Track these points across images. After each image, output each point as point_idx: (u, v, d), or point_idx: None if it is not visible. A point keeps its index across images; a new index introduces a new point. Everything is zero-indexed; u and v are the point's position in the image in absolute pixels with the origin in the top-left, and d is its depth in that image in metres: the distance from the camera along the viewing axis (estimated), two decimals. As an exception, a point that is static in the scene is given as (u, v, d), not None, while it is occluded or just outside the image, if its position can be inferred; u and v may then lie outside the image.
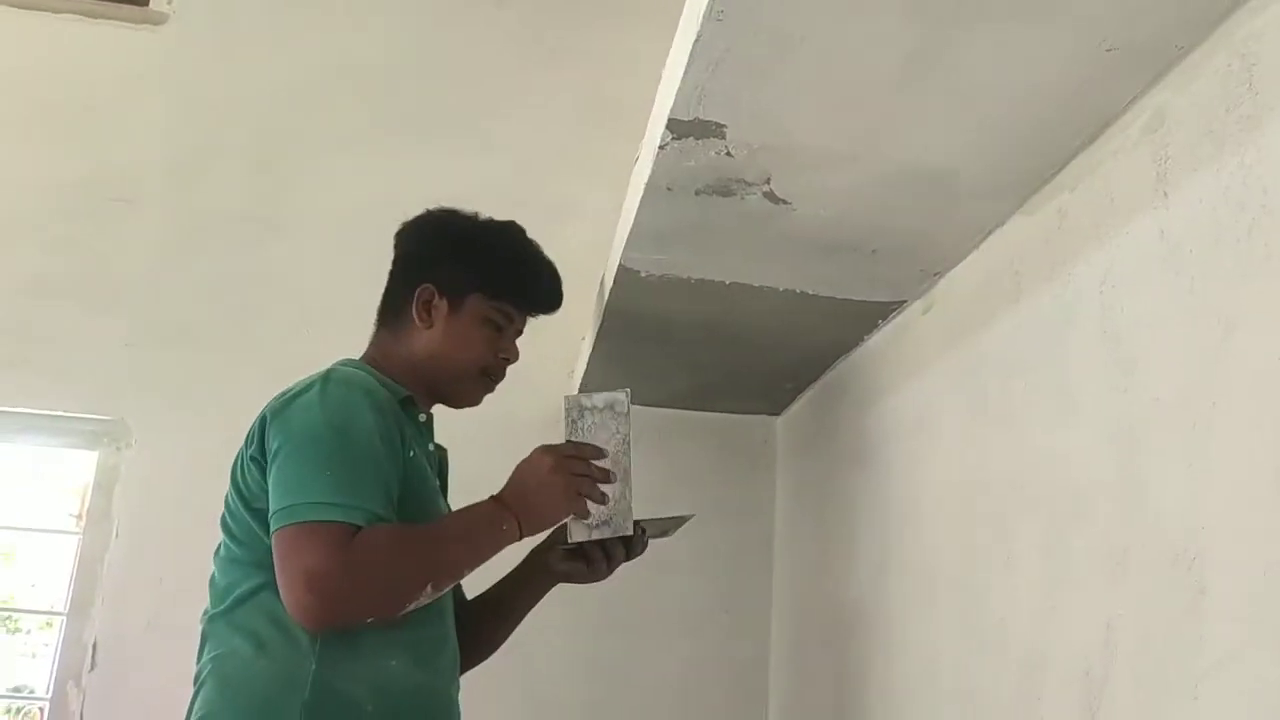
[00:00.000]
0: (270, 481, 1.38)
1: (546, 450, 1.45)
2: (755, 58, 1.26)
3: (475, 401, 1.65)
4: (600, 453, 1.45)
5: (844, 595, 2.13)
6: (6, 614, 8.96)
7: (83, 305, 2.62)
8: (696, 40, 1.22)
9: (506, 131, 2.84)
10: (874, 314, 1.99)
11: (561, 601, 2.57)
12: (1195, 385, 1.13)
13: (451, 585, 1.42)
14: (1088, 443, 1.32)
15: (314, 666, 1.36)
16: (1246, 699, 1.00)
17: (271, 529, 1.34)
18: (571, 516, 1.44)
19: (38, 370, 2.56)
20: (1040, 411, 1.45)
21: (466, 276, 1.58)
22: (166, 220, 2.72)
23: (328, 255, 2.70)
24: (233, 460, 1.50)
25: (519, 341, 1.66)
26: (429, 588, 1.34)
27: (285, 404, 1.43)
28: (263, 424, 1.45)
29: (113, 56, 2.81)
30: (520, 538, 1.43)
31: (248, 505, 1.44)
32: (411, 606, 1.34)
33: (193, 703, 1.46)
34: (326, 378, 1.47)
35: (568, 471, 1.42)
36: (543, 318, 1.69)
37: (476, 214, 1.67)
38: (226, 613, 1.45)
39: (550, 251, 1.66)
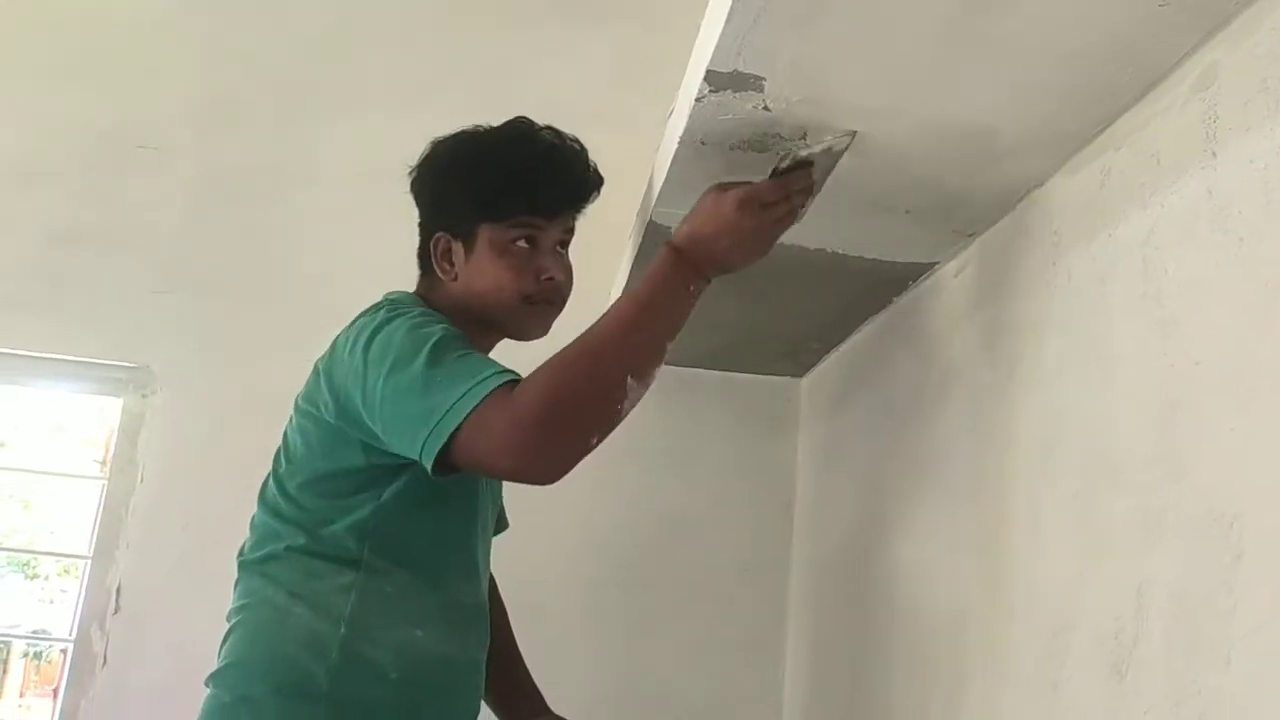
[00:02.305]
0: (385, 425, 1.29)
1: (729, 189, 1.31)
2: (798, 9, 1.23)
3: (540, 330, 1.55)
4: (807, 181, 1.32)
5: (866, 557, 2.13)
6: (25, 560, 9.06)
7: (110, 252, 2.63)
8: (739, -12, 1.21)
9: (539, 85, 2.82)
10: (905, 275, 1.97)
11: (580, 559, 2.61)
12: (1239, 348, 1.11)
13: (656, 362, 1.28)
14: (1124, 406, 1.30)
15: (342, 631, 1.37)
16: (1282, 664, 1.00)
17: (430, 467, 1.23)
18: None
19: (65, 316, 2.58)
20: (1075, 374, 1.43)
21: (467, 209, 1.51)
22: (193, 169, 2.72)
23: (353, 206, 2.69)
24: (293, 398, 1.49)
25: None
26: (629, 378, 1.21)
27: (354, 341, 1.37)
28: (327, 363, 1.42)
29: (139, 4, 2.79)
30: (709, 282, 1.33)
31: (310, 449, 1.43)
32: (629, 403, 1.22)
33: (223, 645, 1.47)
34: (391, 305, 1.43)
35: (760, 216, 1.28)
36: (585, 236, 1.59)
37: (475, 128, 1.57)
38: (262, 562, 1.46)
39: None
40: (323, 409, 1.42)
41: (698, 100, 1.44)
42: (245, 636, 1.44)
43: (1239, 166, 1.15)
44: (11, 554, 10.17)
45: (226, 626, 1.47)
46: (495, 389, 1.20)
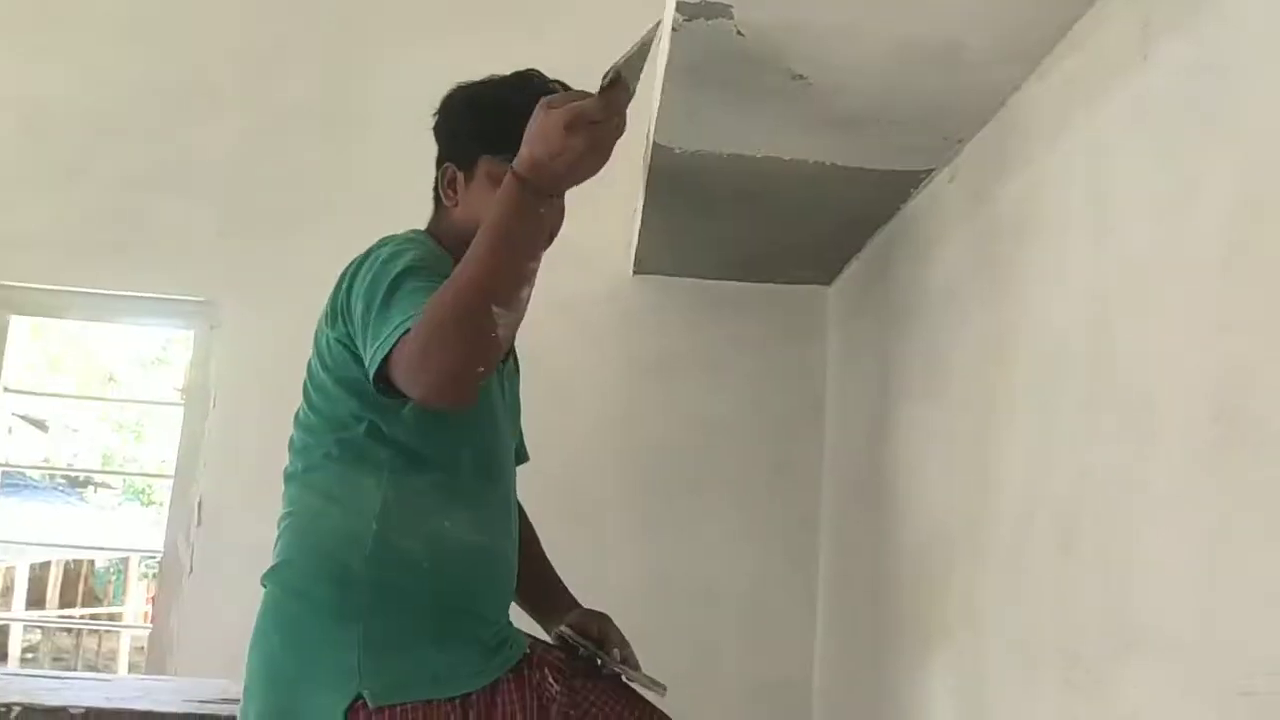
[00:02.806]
0: (359, 342, 1.42)
1: (556, 111, 1.26)
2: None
3: None
4: (628, 95, 1.26)
5: (881, 454, 2.24)
6: (141, 488, 9.48)
7: (174, 196, 2.82)
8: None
9: (577, 15, 2.89)
10: (905, 182, 2.04)
11: (619, 459, 2.76)
12: (1159, 245, 1.19)
13: (520, 286, 1.29)
14: (1071, 304, 1.38)
15: (375, 526, 1.48)
16: (1186, 534, 1.09)
17: (374, 388, 1.37)
18: None
19: (137, 257, 2.78)
20: (1036, 275, 1.51)
21: (471, 142, 1.62)
22: (249, 115, 2.88)
23: (402, 143, 2.77)
24: (314, 331, 1.61)
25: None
26: (493, 306, 1.25)
27: (350, 268, 1.50)
28: (334, 291, 1.54)
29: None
30: (560, 197, 1.33)
31: (325, 369, 1.55)
32: (501, 328, 1.26)
33: (275, 547, 1.63)
34: (383, 239, 1.54)
35: (592, 133, 1.24)
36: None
37: (491, 78, 1.67)
38: (302, 473, 1.60)
39: None
40: (329, 327, 1.55)
41: (674, 30, 1.53)
42: (291, 539, 1.59)
43: (1164, 71, 1.21)
44: (127, 482, 10.71)
45: (276, 536, 1.64)
46: (406, 327, 1.32)
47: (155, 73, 2.87)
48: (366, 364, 1.38)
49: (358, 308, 1.42)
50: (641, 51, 1.26)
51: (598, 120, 1.24)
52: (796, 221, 2.30)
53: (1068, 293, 1.41)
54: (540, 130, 1.26)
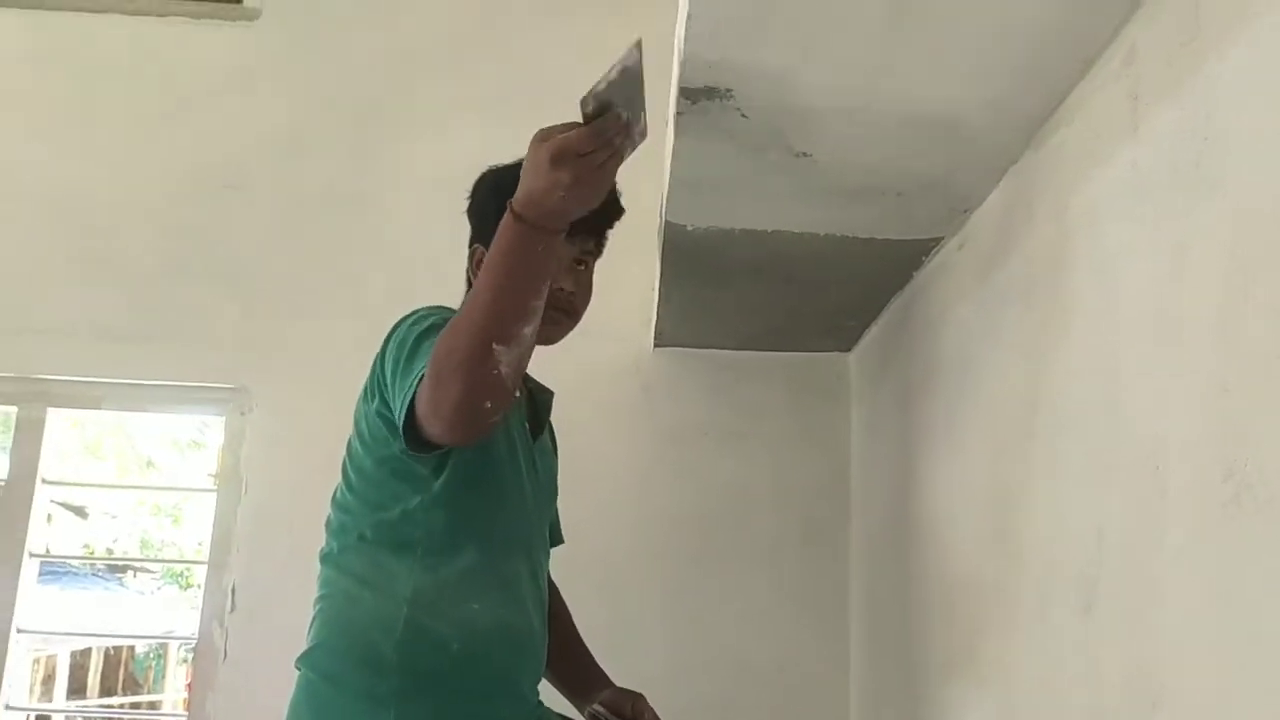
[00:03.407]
0: (387, 398, 1.46)
1: (540, 143, 1.23)
2: (745, 18, 1.36)
3: (551, 336, 1.64)
4: (619, 123, 1.20)
5: (907, 518, 2.24)
6: (179, 572, 9.48)
7: (204, 284, 2.89)
8: (689, 14, 1.35)
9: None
10: (916, 251, 2.08)
11: (647, 533, 2.77)
12: (1157, 307, 1.21)
13: (521, 324, 1.27)
14: (1080, 367, 1.40)
15: (405, 610, 1.50)
16: (1203, 594, 1.10)
17: (403, 440, 1.40)
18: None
19: (168, 345, 2.85)
20: (1045, 339, 1.53)
21: (496, 223, 1.68)
22: (273, 202, 2.96)
23: (425, 224, 2.87)
24: (354, 409, 1.64)
25: (598, 277, 1.69)
26: (493, 344, 1.25)
27: (386, 339, 1.54)
28: (372, 367, 1.58)
29: (215, 53, 3.05)
30: (561, 233, 1.28)
31: (364, 445, 1.58)
32: (504, 366, 1.26)
33: (309, 630, 1.66)
34: (412, 310, 1.57)
35: (578, 166, 1.21)
36: (617, 267, 1.71)
37: (522, 160, 1.74)
38: (336, 555, 1.63)
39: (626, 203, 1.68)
40: (367, 402, 1.59)
41: (679, 114, 1.59)
42: (324, 622, 1.62)
43: (1153, 140, 1.24)
44: (165, 566, 10.73)
45: (311, 620, 1.67)
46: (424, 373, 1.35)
47: (181, 160, 2.96)
48: (396, 419, 1.40)
49: (388, 372, 1.47)
50: (626, 75, 1.19)
51: (584, 152, 1.20)
52: (812, 292, 2.34)
53: (1076, 357, 1.43)
54: (530, 164, 1.25)
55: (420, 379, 1.35)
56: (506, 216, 1.27)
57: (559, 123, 1.23)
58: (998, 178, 1.74)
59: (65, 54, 3.05)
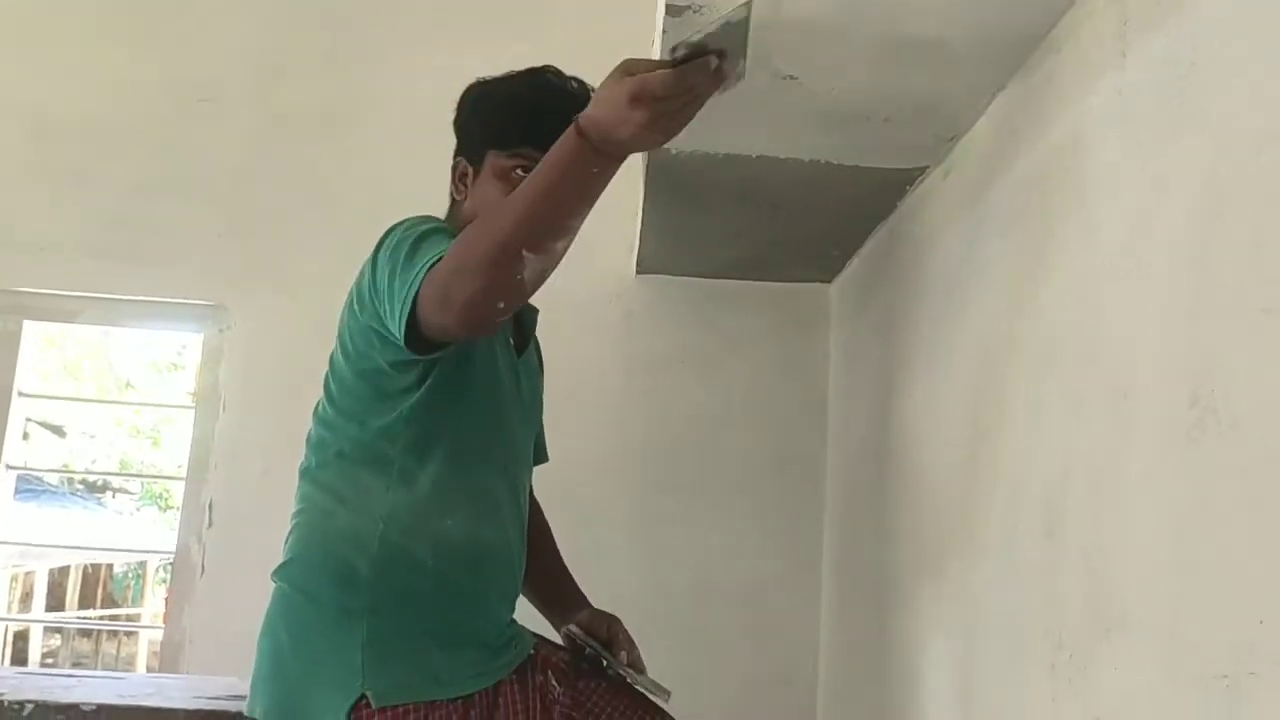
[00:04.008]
0: (383, 311, 1.42)
1: (624, 75, 1.19)
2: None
3: None
4: (705, 71, 1.17)
5: (883, 446, 2.26)
6: (159, 493, 9.50)
7: (181, 200, 2.85)
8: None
9: (570, 13, 2.92)
10: (900, 180, 2.07)
11: (625, 458, 2.79)
12: (1135, 236, 1.21)
13: (555, 237, 1.27)
14: (1060, 296, 1.41)
15: (381, 528, 1.50)
16: (1163, 519, 1.12)
17: (401, 336, 1.37)
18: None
19: (146, 261, 2.82)
20: (1027, 269, 1.54)
21: (480, 136, 1.63)
22: (250, 118, 2.91)
23: (404, 142, 2.85)
24: (337, 322, 1.61)
25: None
26: (524, 249, 1.24)
27: (374, 251, 1.51)
28: (357, 279, 1.54)
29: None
30: (619, 161, 1.25)
31: (347, 358, 1.56)
32: (528, 273, 1.26)
33: (285, 544, 1.66)
34: (400, 221, 1.54)
35: (654, 109, 1.18)
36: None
37: (509, 73, 1.68)
38: (314, 471, 1.62)
39: None
40: (354, 315, 1.57)
41: (664, 32, 1.57)
42: (300, 536, 1.62)
43: (1139, 68, 1.24)
44: (145, 487, 10.77)
45: (288, 532, 1.68)
46: (434, 263, 1.33)
47: (159, 78, 2.91)
48: (394, 317, 1.37)
49: (382, 276, 1.43)
50: (728, 29, 1.16)
51: (663, 97, 1.18)
52: (795, 220, 2.33)
53: (1056, 285, 1.43)
54: (608, 94, 1.22)
55: (425, 273, 1.32)
56: (570, 130, 1.24)
57: (645, 58, 1.22)
58: (986, 105, 1.73)
59: (38, -36, 2.98)
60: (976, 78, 1.65)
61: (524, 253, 1.24)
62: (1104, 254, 1.29)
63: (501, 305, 1.30)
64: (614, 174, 1.26)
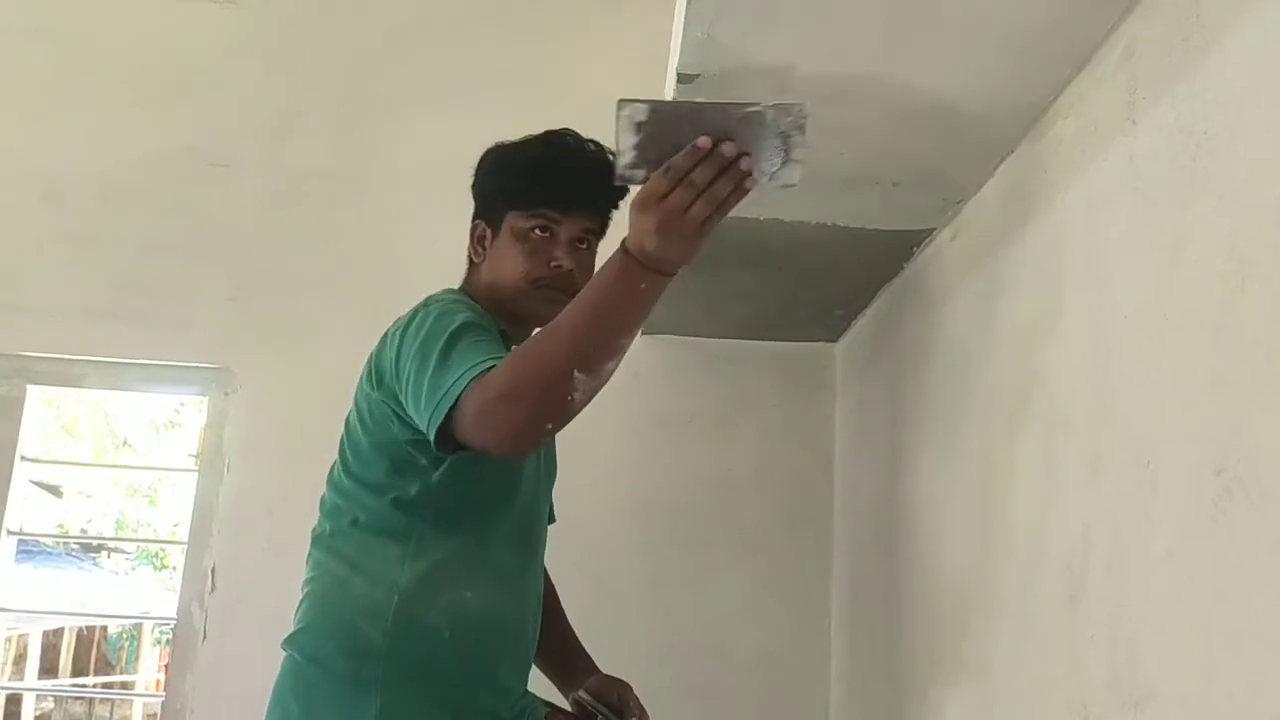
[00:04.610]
0: (408, 401, 1.43)
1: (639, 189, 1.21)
2: (750, 7, 1.36)
3: (548, 316, 1.58)
4: (692, 155, 1.16)
5: (893, 510, 2.25)
6: (154, 553, 9.49)
7: (189, 263, 2.86)
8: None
9: (577, 77, 2.94)
10: (907, 242, 2.07)
11: (632, 519, 2.77)
12: (1152, 301, 1.21)
13: (607, 358, 1.27)
14: (1072, 361, 1.41)
15: (396, 599, 1.50)
16: (1190, 590, 1.10)
17: (432, 440, 1.37)
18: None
19: (151, 324, 2.81)
20: (1038, 333, 1.54)
21: (499, 198, 1.65)
22: (260, 181, 2.93)
23: (414, 206, 2.86)
24: (354, 388, 1.62)
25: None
26: (576, 371, 1.24)
27: (397, 329, 1.53)
28: (379, 351, 1.57)
29: (202, 32, 3.01)
30: (667, 278, 1.25)
31: (365, 430, 1.57)
32: (580, 394, 1.25)
33: (296, 612, 1.64)
34: (428, 299, 1.57)
35: (659, 211, 1.18)
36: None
37: (527, 136, 1.69)
38: (328, 538, 1.61)
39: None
40: (371, 388, 1.57)
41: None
42: (313, 605, 1.60)
43: (1151, 134, 1.24)
44: (141, 547, 10.70)
45: (300, 599, 1.65)
46: (480, 374, 1.33)
47: (167, 140, 2.93)
48: (425, 417, 1.37)
49: (409, 366, 1.43)
50: (746, 119, 1.13)
51: (660, 196, 1.18)
52: (802, 282, 2.34)
53: (1068, 350, 1.43)
54: (632, 207, 1.23)
55: (469, 380, 1.31)
56: (617, 252, 1.25)
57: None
58: (993, 169, 1.74)
59: (49, 32, 3.00)
60: (984, 142, 1.66)
61: (576, 374, 1.24)
62: (1119, 319, 1.29)
63: (550, 428, 1.30)
64: (662, 290, 1.26)
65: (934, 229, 2.01)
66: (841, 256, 2.15)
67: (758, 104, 1.16)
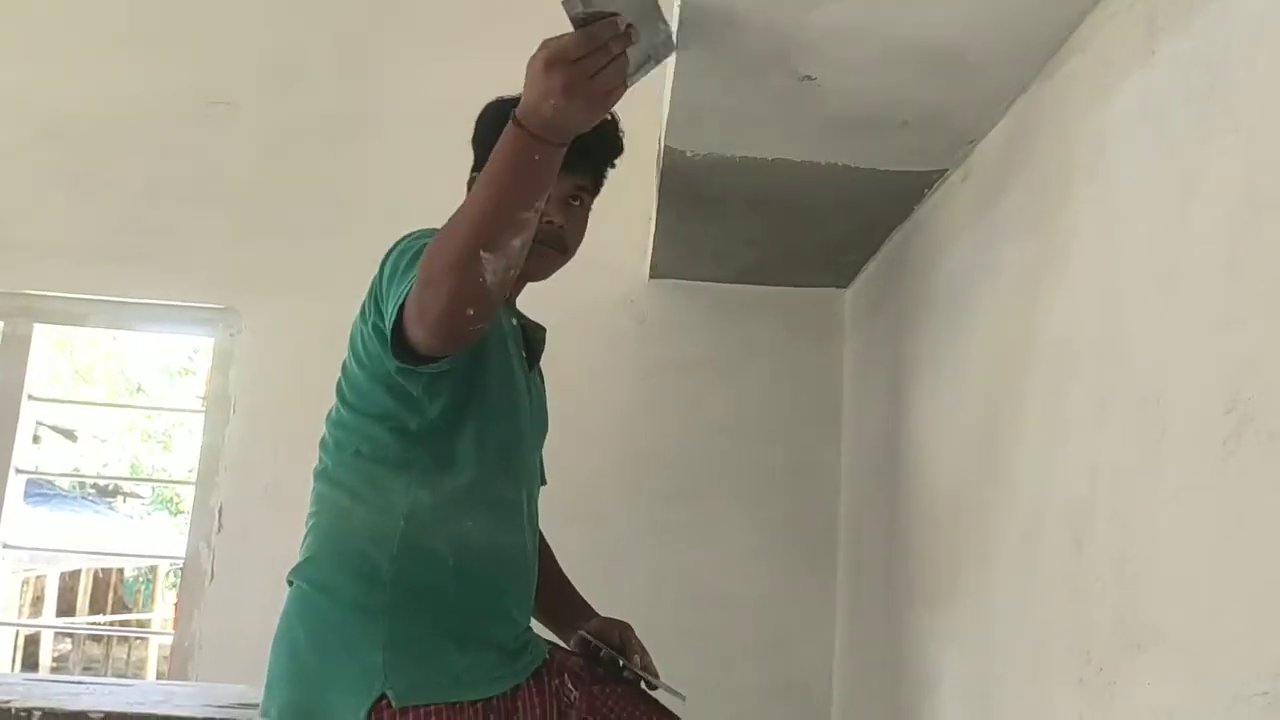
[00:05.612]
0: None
1: (541, 50, 1.21)
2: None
3: (541, 270, 1.65)
4: (614, 29, 1.17)
5: (897, 459, 2.23)
6: (169, 497, 9.56)
7: (192, 203, 2.85)
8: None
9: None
10: (918, 184, 2.04)
11: (637, 465, 2.76)
12: (1163, 238, 1.18)
13: (510, 234, 1.25)
14: (1081, 301, 1.38)
15: (402, 525, 1.50)
16: (1198, 531, 1.09)
17: (389, 347, 1.39)
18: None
19: (157, 264, 2.81)
20: (1047, 272, 1.51)
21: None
22: (264, 122, 2.91)
23: (418, 148, 2.84)
24: (350, 328, 1.60)
25: (594, 216, 1.68)
26: (481, 251, 1.24)
27: (384, 257, 1.50)
28: (370, 287, 1.54)
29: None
30: (559, 146, 1.25)
31: (360, 364, 1.56)
32: (489, 274, 1.25)
33: (301, 545, 1.65)
34: (413, 231, 1.55)
35: (569, 72, 1.18)
36: (613, 202, 1.70)
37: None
38: (331, 470, 1.61)
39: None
40: (363, 321, 1.57)
41: (680, 29, 1.54)
42: (319, 535, 1.60)
43: (1167, 68, 1.21)
44: (156, 491, 10.80)
45: (305, 533, 1.66)
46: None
47: (173, 82, 2.91)
48: (385, 328, 1.39)
49: (383, 288, 1.45)
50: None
51: (575, 58, 1.17)
52: (811, 224, 2.31)
53: (1077, 290, 1.40)
54: (529, 71, 1.22)
55: (407, 290, 1.34)
56: (509, 126, 1.25)
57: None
58: (1005, 108, 1.70)
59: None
60: (997, 81, 1.62)
61: (482, 254, 1.23)
62: (1129, 256, 1.26)
63: (471, 313, 1.29)
64: (557, 161, 1.26)
65: (945, 170, 1.97)
66: (851, 198, 2.11)
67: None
